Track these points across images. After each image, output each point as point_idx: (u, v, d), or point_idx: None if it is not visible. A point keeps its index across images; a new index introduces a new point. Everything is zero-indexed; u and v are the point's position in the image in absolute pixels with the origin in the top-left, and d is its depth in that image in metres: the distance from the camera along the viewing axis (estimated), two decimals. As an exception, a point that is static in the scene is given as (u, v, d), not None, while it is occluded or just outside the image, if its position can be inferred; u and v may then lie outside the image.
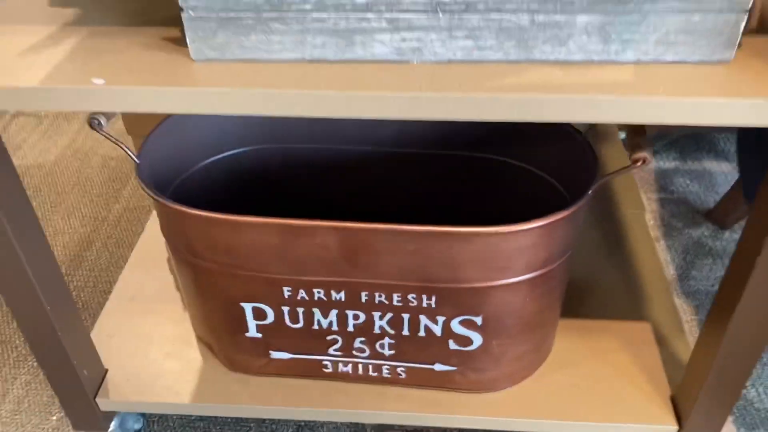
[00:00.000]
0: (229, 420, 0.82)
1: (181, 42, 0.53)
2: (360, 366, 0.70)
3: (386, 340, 0.67)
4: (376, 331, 0.66)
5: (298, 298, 0.64)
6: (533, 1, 0.46)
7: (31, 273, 0.61)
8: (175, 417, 0.82)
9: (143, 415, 0.82)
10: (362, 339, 0.67)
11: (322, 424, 0.81)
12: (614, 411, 0.70)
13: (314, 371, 0.71)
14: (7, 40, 0.53)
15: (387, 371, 0.70)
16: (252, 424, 0.82)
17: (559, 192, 0.71)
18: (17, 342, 0.94)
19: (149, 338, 0.78)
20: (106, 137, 0.62)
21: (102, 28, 0.55)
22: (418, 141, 0.76)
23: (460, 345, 0.66)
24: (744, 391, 0.86)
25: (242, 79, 0.48)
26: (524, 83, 0.47)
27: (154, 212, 0.98)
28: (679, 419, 0.69)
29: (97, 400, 0.72)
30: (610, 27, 0.47)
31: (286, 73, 0.49)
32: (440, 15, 0.47)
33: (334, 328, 0.66)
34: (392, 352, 0.68)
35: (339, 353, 0.69)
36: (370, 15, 0.48)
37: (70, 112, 1.18)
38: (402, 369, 0.69)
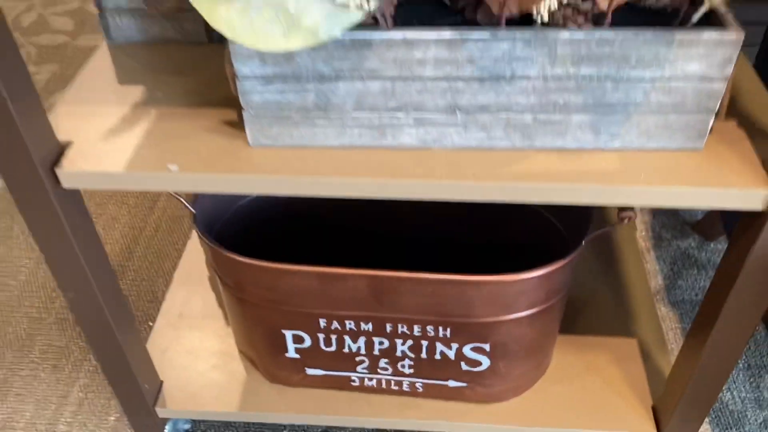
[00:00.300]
0: (267, 422, 0.94)
1: (237, 125, 0.62)
2: (383, 381, 0.81)
3: (407, 362, 0.77)
4: (398, 354, 0.77)
5: (332, 327, 0.75)
6: (536, 105, 0.56)
7: (98, 291, 0.69)
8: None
9: (190, 416, 0.93)
10: (386, 360, 0.78)
11: (350, 429, 0.93)
12: (602, 420, 0.81)
13: (343, 385, 0.82)
14: (89, 123, 0.63)
15: (407, 386, 0.81)
16: (286, 427, 0.93)
17: (555, 227, 0.81)
18: (73, 348, 1.05)
19: (197, 352, 0.89)
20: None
21: (167, 109, 0.64)
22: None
23: (470, 366, 0.77)
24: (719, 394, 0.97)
25: (292, 165, 0.58)
26: (528, 171, 0.57)
27: (194, 233, 1.08)
28: (659, 427, 0.80)
29: (156, 408, 0.84)
30: (600, 124, 0.57)
31: (328, 159, 0.58)
32: (458, 115, 0.57)
33: (362, 351, 0.77)
34: (411, 370, 0.79)
35: (365, 371, 0.80)
36: (399, 114, 0.57)
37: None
38: (420, 384, 0.80)
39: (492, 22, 0.55)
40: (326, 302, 0.72)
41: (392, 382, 0.81)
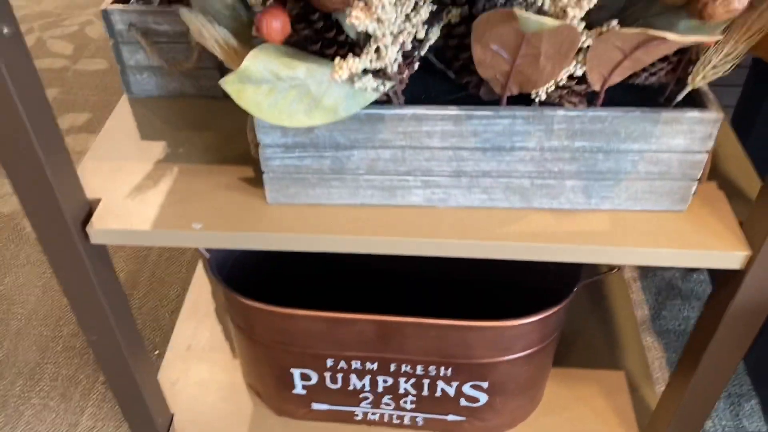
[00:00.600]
0: (270, 449, 0.98)
1: (255, 183, 0.66)
2: (385, 415, 0.85)
3: (409, 398, 0.82)
4: (401, 391, 0.81)
5: (339, 366, 0.79)
6: (533, 171, 0.61)
7: (119, 334, 0.73)
8: (223, 446, 0.98)
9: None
10: (389, 396, 0.82)
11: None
12: (592, 451, 0.86)
13: (347, 419, 0.86)
14: (115, 180, 0.67)
15: (408, 420, 0.85)
16: (289, 452, 0.97)
17: (549, 270, 0.86)
18: (81, 377, 1.08)
19: (206, 385, 0.93)
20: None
21: (189, 165, 0.69)
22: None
23: (469, 402, 0.81)
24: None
25: (308, 223, 0.62)
26: (525, 231, 0.62)
27: (200, 264, 1.12)
28: (644, 458, 0.85)
29: (168, 440, 0.88)
30: (592, 189, 0.62)
31: (342, 217, 0.63)
32: (462, 179, 0.62)
33: (367, 388, 0.81)
34: (413, 406, 0.83)
35: (369, 406, 0.84)
36: (408, 177, 0.62)
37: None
38: (420, 418, 0.85)
39: (494, 97, 0.59)
40: (334, 344, 0.76)
41: (394, 417, 0.85)
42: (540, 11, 0.49)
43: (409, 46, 0.51)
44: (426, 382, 0.79)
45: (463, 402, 0.81)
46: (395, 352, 0.76)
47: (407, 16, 0.48)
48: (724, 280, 0.64)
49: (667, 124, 0.57)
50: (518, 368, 0.78)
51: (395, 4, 0.46)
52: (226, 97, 0.77)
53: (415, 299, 0.97)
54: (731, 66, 0.54)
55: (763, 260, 0.59)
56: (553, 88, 0.56)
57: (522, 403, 0.84)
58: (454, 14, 0.54)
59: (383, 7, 0.44)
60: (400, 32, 0.49)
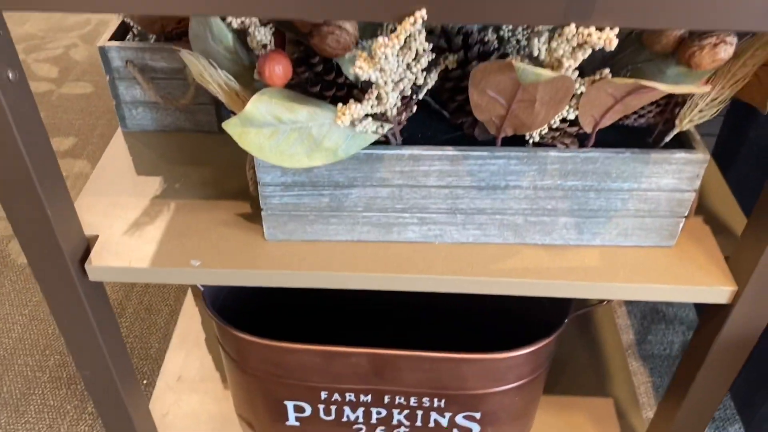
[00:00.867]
0: (261, 479, 0.97)
1: (252, 218, 0.67)
2: (378, 445, 0.86)
3: (402, 429, 0.82)
4: (394, 422, 0.82)
5: (333, 399, 0.79)
6: (527, 209, 0.62)
7: (114, 369, 0.73)
8: (214, 476, 0.97)
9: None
10: (382, 428, 0.83)
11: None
12: (582, 479, 0.87)
13: (340, 449, 0.87)
14: (112, 216, 0.67)
15: (401, 450, 0.86)
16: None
17: (539, 301, 0.88)
18: (68, 407, 1.07)
19: (197, 416, 0.93)
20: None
21: (185, 201, 0.69)
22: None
23: (461, 432, 0.82)
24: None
25: (306, 260, 0.63)
26: (518, 266, 0.63)
27: (189, 292, 1.12)
28: (634, 485, 0.87)
29: (159, 473, 0.87)
30: (583, 225, 0.63)
31: (339, 253, 0.64)
32: (457, 216, 0.63)
33: (360, 420, 0.82)
34: (406, 436, 0.84)
35: (362, 436, 0.85)
36: (405, 214, 0.63)
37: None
38: (413, 448, 0.85)
39: (488, 137, 0.61)
40: (328, 376, 0.77)
41: (387, 447, 0.86)
42: (535, 60, 0.50)
43: (408, 92, 0.53)
44: (419, 413, 0.80)
45: (455, 432, 0.82)
46: (389, 384, 0.77)
47: (408, 65, 0.49)
48: (711, 314, 0.66)
49: (656, 164, 0.59)
50: (510, 398, 0.79)
51: (397, 54, 0.47)
52: (221, 131, 0.78)
53: (407, 326, 0.97)
54: (717, 110, 0.56)
55: (749, 295, 0.61)
56: (546, 130, 0.57)
57: (513, 432, 0.85)
58: (451, 60, 0.55)
59: (386, 58, 0.46)
60: (401, 80, 0.50)
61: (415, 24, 0.44)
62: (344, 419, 0.82)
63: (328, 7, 0.44)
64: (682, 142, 0.61)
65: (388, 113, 0.53)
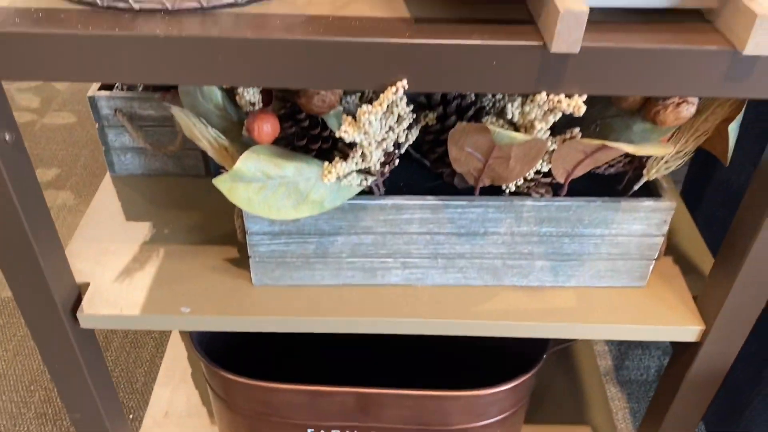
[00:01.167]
0: None
1: (240, 264, 0.69)
2: (364, 479, 0.87)
3: (387, 463, 0.84)
4: (380, 456, 0.83)
5: (319, 435, 0.81)
6: (504, 253, 0.65)
7: (103, 412, 0.74)
8: None
9: None
10: (368, 462, 0.84)
11: None
12: (563, 508, 0.89)
13: (326, 483, 0.88)
14: (103, 263, 0.69)
15: (386, 483, 0.88)
16: None
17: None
18: (54, 444, 1.08)
19: (184, 452, 0.94)
20: (166, 314, 0.77)
21: (174, 246, 0.71)
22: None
23: (445, 465, 0.84)
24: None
25: (293, 306, 0.65)
26: (498, 309, 0.66)
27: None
28: None
29: None
30: (558, 268, 0.66)
31: (325, 298, 0.66)
32: (438, 260, 0.66)
33: (346, 455, 0.83)
34: (391, 470, 0.85)
35: (348, 471, 0.86)
36: (389, 260, 0.65)
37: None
38: (398, 481, 0.87)
39: (467, 185, 0.64)
40: (315, 414, 0.78)
41: (372, 480, 0.87)
42: (509, 122, 0.53)
43: (390, 148, 0.55)
44: (404, 447, 0.82)
45: (439, 465, 0.84)
46: (374, 421, 0.79)
47: (390, 127, 0.52)
48: (681, 350, 0.69)
49: (626, 212, 0.62)
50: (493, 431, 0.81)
51: (380, 119, 0.50)
52: (209, 175, 0.80)
53: (391, 359, 0.99)
54: (682, 162, 0.60)
55: (716, 334, 0.64)
56: (521, 180, 0.60)
57: (495, 464, 0.87)
58: (431, 117, 0.58)
59: (370, 123, 0.48)
60: (384, 139, 0.53)
61: (396, 93, 0.46)
62: (330, 455, 0.83)
63: (317, 78, 0.47)
64: (651, 189, 0.64)
65: (372, 168, 0.56)
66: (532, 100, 0.50)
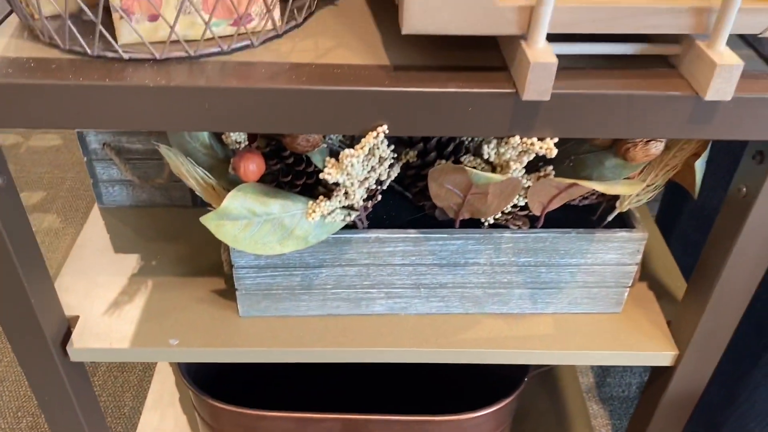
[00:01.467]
0: None
1: (227, 295, 0.71)
2: (351, 502, 0.89)
3: (373, 486, 0.86)
4: (366, 480, 0.85)
5: (306, 460, 0.82)
6: (485, 282, 0.67)
7: (86, 428, 0.75)
8: None
9: None
10: (355, 485, 0.86)
11: None
12: None
13: (314, 507, 0.89)
14: (92, 296, 0.70)
15: (373, 506, 0.89)
16: None
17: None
18: (42, 470, 1.08)
19: (173, 478, 0.94)
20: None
21: (162, 278, 0.72)
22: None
23: (430, 487, 0.86)
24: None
25: (279, 336, 0.67)
26: (479, 337, 0.68)
27: (162, 351, 1.14)
28: None
29: None
30: (537, 296, 0.68)
31: (311, 328, 0.68)
32: (421, 290, 0.67)
33: (333, 479, 0.85)
34: (378, 493, 0.87)
35: (335, 494, 0.87)
36: (372, 290, 0.67)
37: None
38: (385, 504, 0.88)
39: (448, 218, 0.66)
40: (302, 440, 0.80)
41: (359, 503, 0.89)
42: (486, 161, 0.56)
43: (373, 186, 0.57)
44: (390, 471, 0.83)
45: (425, 488, 0.85)
46: (361, 445, 0.80)
47: (372, 167, 0.54)
48: (657, 373, 0.71)
49: (600, 242, 0.64)
50: (476, 454, 0.83)
51: (362, 160, 0.52)
52: (195, 206, 0.82)
53: (377, 379, 1.01)
54: (653, 195, 0.62)
55: (689, 358, 0.67)
56: (499, 213, 0.63)
57: (480, 485, 0.89)
58: (411, 155, 0.60)
59: (352, 165, 0.50)
60: (366, 179, 0.55)
61: (377, 137, 0.48)
62: (318, 479, 0.85)
63: (301, 124, 0.49)
64: (624, 219, 0.66)
65: (355, 205, 0.58)
66: (506, 142, 0.52)
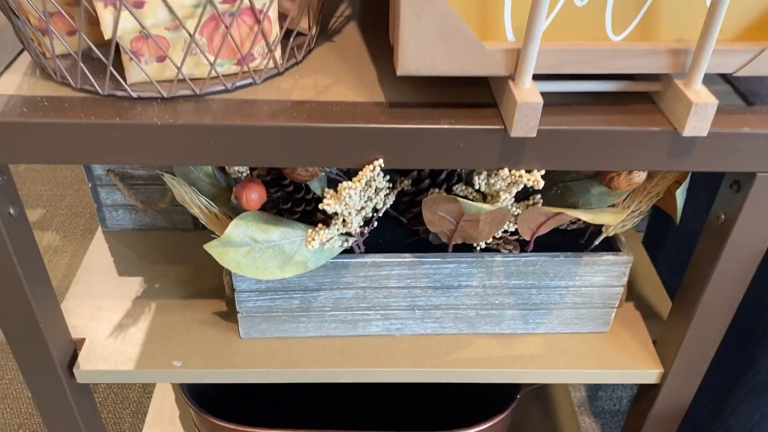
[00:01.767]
0: None
1: (228, 317, 0.73)
2: None
3: (370, 501, 0.88)
4: (364, 496, 0.87)
5: (305, 476, 0.84)
6: (477, 304, 0.70)
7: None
8: None
9: None
10: (352, 500, 0.88)
11: None
12: None
13: None
14: (97, 319, 0.72)
15: None
16: None
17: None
18: (43, 487, 1.09)
19: (173, 494, 0.96)
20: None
21: (165, 301, 0.75)
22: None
23: (426, 502, 0.88)
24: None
25: (279, 357, 0.69)
26: (472, 357, 0.70)
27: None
28: None
29: None
30: (528, 316, 0.71)
31: (310, 349, 0.70)
32: (416, 311, 0.70)
33: (331, 495, 0.87)
34: (374, 508, 0.89)
35: None
36: (369, 312, 0.70)
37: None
38: None
39: (441, 242, 0.68)
40: (300, 456, 0.82)
41: None
42: (477, 190, 0.58)
43: (370, 214, 0.60)
44: (386, 486, 0.85)
45: (421, 502, 0.88)
46: (358, 462, 0.83)
47: (369, 197, 0.57)
48: (644, 391, 0.74)
49: (587, 265, 0.67)
50: (470, 469, 0.85)
51: (359, 191, 0.54)
52: (196, 229, 0.84)
53: (374, 397, 1.03)
54: (637, 221, 0.65)
55: (674, 376, 0.69)
56: (491, 239, 0.65)
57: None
58: (406, 184, 0.63)
59: (350, 196, 0.53)
60: (363, 208, 0.57)
61: (374, 170, 0.51)
62: (316, 495, 0.87)
63: (301, 158, 0.51)
64: (611, 242, 0.69)
65: (352, 231, 0.61)
66: (496, 174, 0.55)
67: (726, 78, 0.57)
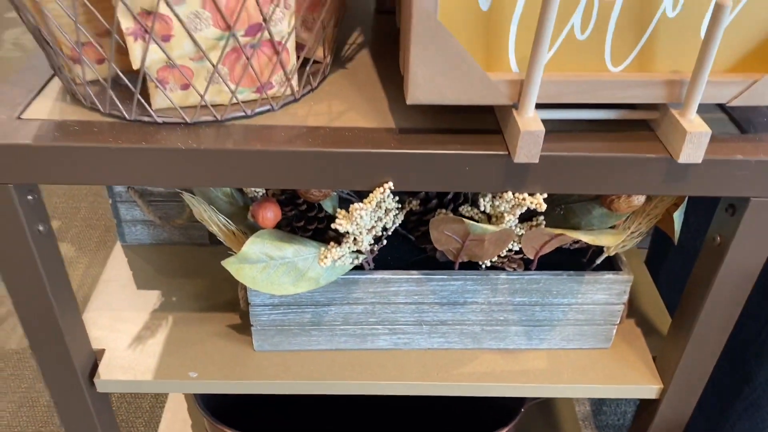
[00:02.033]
0: None
1: (242, 330, 0.76)
2: None
3: None
4: (371, 505, 0.89)
5: (314, 486, 0.87)
6: (483, 320, 0.72)
7: None
8: None
9: None
10: None
11: None
12: None
13: None
14: (116, 331, 0.75)
15: None
16: None
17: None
18: (58, 494, 1.12)
19: (185, 502, 0.99)
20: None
21: (182, 314, 0.77)
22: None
23: None
24: None
25: (291, 369, 0.72)
26: (477, 371, 0.72)
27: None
28: None
29: None
30: (532, 332, 0.73)
31: (320, 361, 0.73)
32: (423, 327, 0.72)
33: (339, 504, 0.89)
34: None
35: None
36: (378, 326, 0.72)
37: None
38: None
39: (448, 259, 0.71)
40: (310, 466, 0.84)
41: None
42: (482, 211, 0.61)
43: (380, 233, 0.63)
44: (393, 496, 0.88)
45: None
46: (366, 472, 0.85)
47: (379, 218, 0.60)
48: (644, 406, 0.76)
49: (589, 283, 0.69)
50: (475, 481, 0.87)
51: (370, 213, 0.57)
52: (212, 244, 0.87)
53: (382, 407, 1.06)
54: (637, 241, 0.68)
55: (673, 391, 0.71)
56: (496, 257, 0.68)
57: None
58: (414, 204, 0.66)
59: (361, 217, 0.56)
60: (373, 227, 0.60)
61: (384, 192, 0.54)
62: (324, 504, 0.89)
63: (315, 180, 0.54)
64: (612, 262, 0.72)
65: (363, 249, 0.63)
66: (501, 196, 0.58)
67: (722, 106, 0.60)
